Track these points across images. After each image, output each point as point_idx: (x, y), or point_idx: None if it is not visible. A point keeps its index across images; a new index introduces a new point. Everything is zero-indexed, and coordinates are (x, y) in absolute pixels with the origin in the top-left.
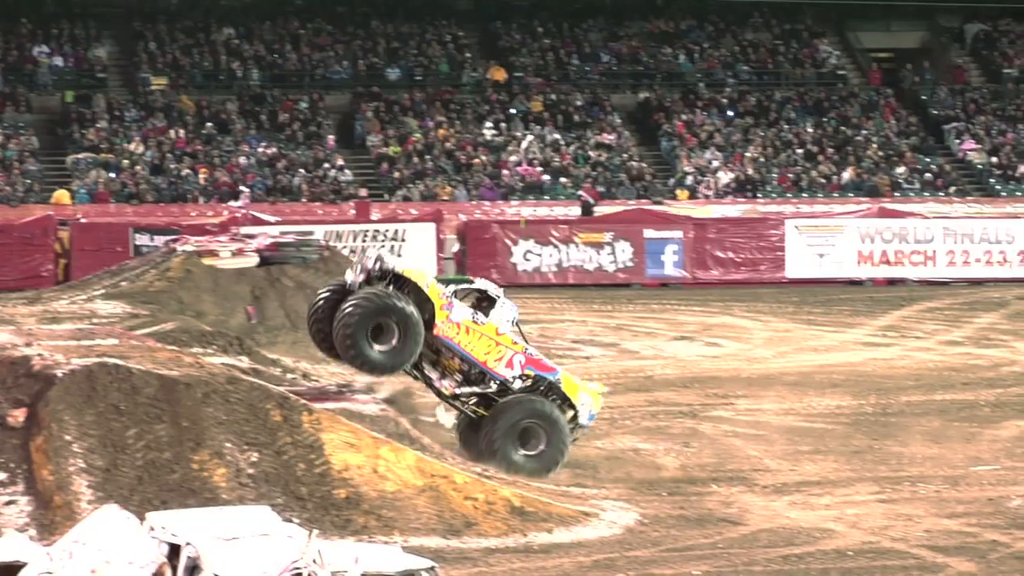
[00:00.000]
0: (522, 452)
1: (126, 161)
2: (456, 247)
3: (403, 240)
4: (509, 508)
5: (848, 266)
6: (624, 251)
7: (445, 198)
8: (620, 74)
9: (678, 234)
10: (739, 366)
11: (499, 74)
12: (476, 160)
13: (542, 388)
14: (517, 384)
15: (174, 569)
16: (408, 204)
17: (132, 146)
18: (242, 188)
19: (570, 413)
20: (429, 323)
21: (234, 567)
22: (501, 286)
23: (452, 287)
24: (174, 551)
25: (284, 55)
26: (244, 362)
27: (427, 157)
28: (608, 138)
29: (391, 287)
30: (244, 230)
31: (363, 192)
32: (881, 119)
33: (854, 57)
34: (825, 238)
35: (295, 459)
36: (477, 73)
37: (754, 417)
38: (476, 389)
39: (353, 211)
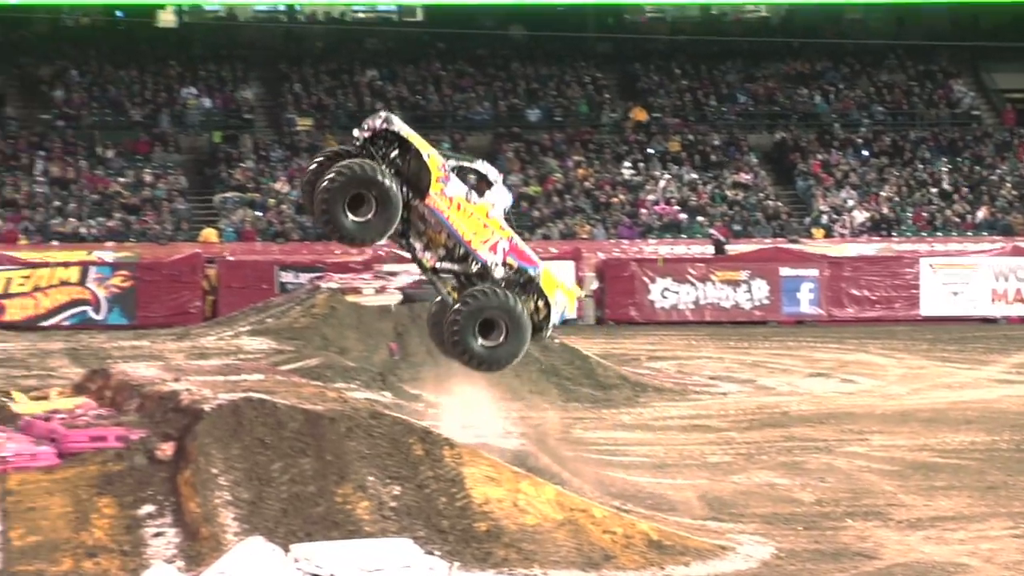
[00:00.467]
0: (481, 342)
1: (272, 200)
2: (595, 284)
3: None
4: (647, 542)
5: (982, 304)
6: (760, 289)
7: (584, 236)
8: (756, 115)
9: (814, 272)
10: (874, 402)
11: (639, 115)
12: (615, 199)
13: (522, 280)
14: (498, 272)
15: None
16: (548, 242)
17: (278, 185)
18: None
19: (544, 311)
20: (424, 192)
21: None
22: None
23: (453, 162)
24: None
25: (427, 96)
26: (387, 397)
27: (567, 196)
28: (745, 177)
29: (396, 150)
30: (387, 268)
31: None
32: (1015, 159)
33: (988, 97)
34: (959, 276)
35: (437, 492)
36: (616, 114)
37: (889, 453)
38: (456, 267)
39: None
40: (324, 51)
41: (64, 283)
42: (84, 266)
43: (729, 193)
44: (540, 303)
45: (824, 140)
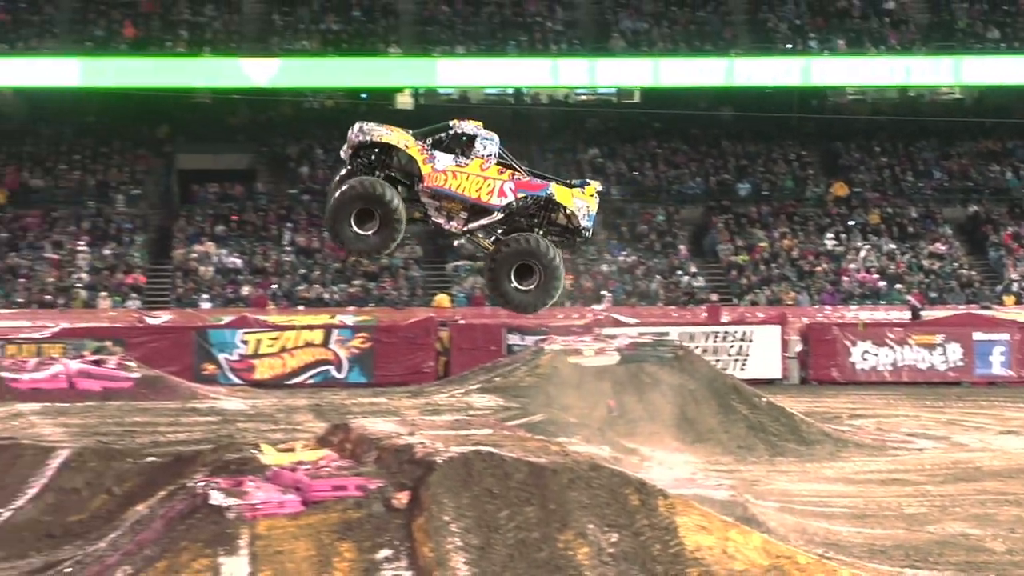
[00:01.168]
0: (515, 285)
1: None
2: (799, 347)
3: (750, 341)
4: None
5: None
6: (954, 352)
7: (789, 302)
8: (951, 189)
9: (1005, 336)
10: None
11: (840, 189)
12: (818, 268)
13: (541, 203)
14: (517, 204)
15: None
16: (755, 308)
17: None
18: (604, 293)
19: (573, 217)
20: (420, 177)
21: None
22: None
23: (431, 138)
24: None
25: (643, 172)
26: (605, 451)
27: (772, 265)
28: (940, 248)
29: (380, 153)
30: (606, 331)
31: (714, 297)
32: None
33: None
34: None
35: (651, 540)
36: (819, 188)
37: None
38: (483, 221)
39: (704, 314)
40: (549, 130)
41: (309, 344)
42: (327, 329)
43: (925, 262)
44: (565, 213)
45: (1015, 213)
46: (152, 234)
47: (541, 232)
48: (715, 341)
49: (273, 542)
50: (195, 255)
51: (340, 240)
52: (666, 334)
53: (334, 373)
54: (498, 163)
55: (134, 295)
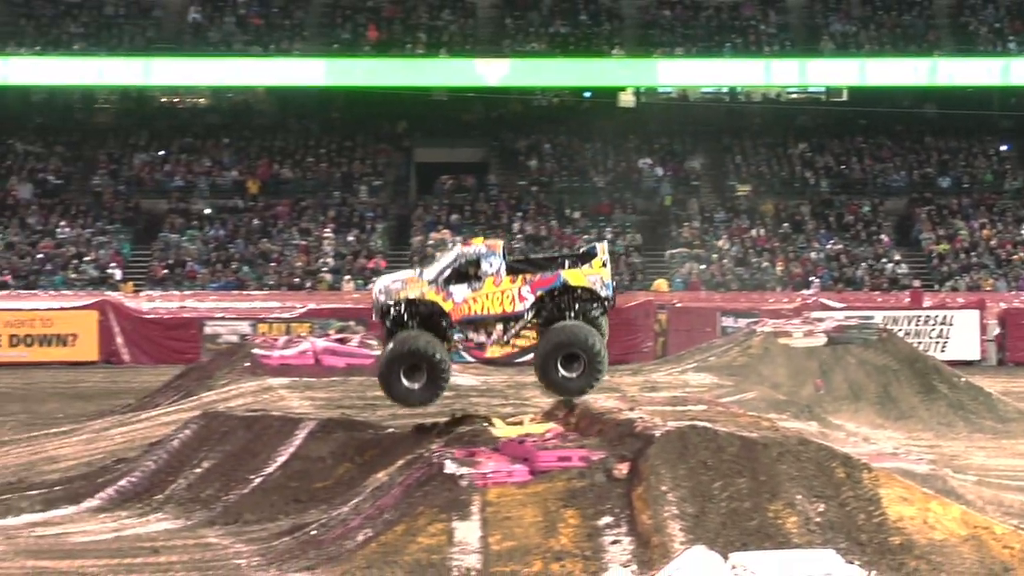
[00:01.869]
0: (563, 374)
1: (715, 255)
2: (997, 331)
3: (950, 324)
4: None
5: None
6: None
7: (988, 289)
8: None
9: None
10: None
11: None
12: (1016, 256)
13: (557, 294)
14: (540, 303)
15: None
16: (955, 294)
17: (720, 243)
18: (813, 279)
19: (591, 293)
20: (446, 314)
21: None
22: None
23: (443, 275)
24: None
25: (850, 166)
26: (813, 427)
27: (972, 254)
28: None
29: (406, 308)
30: (814, 315)
31: (916, 283)
32: None
33: None
34: None
35: (856, 510)
36: (1017, 181)
37: None
38: (517, 327)
39: (907, 299)
40: (761, 126)
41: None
42: None
43: None
44: (583, 293)
45: None
46: (391, 222)
47: (573, 314)
48: (917, 325)
49: (502, 508)
50: (431, 242)
51: (392, 395)
52: (871, 318)
53: None
54: (508, 271)
55: (375, 279)
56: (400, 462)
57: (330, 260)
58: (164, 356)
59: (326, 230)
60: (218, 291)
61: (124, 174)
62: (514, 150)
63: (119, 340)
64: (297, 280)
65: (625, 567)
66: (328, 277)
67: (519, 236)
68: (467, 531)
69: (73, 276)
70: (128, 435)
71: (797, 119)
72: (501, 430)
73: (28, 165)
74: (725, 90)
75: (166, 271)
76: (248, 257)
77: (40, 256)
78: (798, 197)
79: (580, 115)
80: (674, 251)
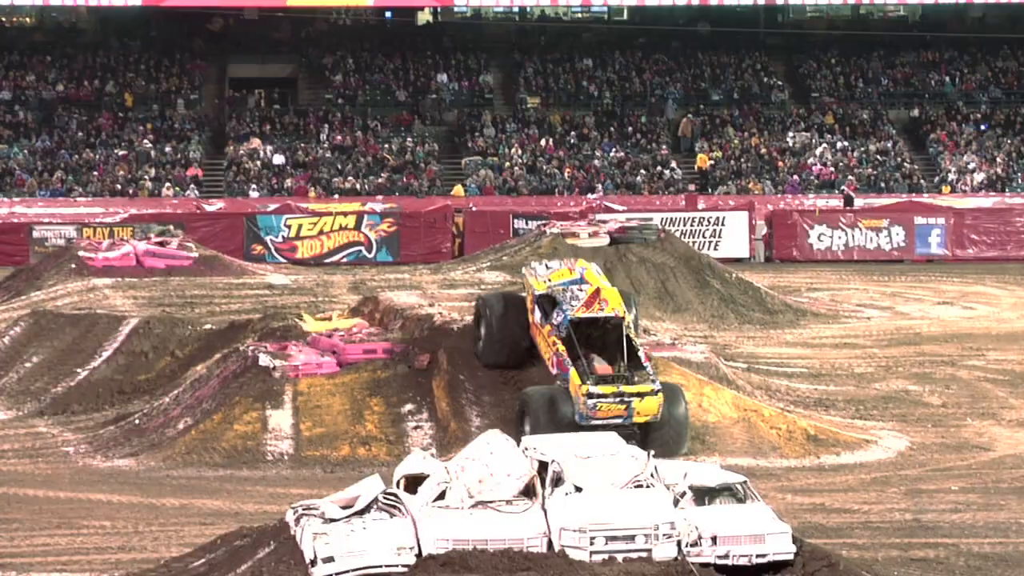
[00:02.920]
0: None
1: (507, 163)
2: (764, 231)
3: (722, 225)
4: (805, 436)
5: None
6: (898, 234)
7: (756, 192)
8: (896, 95)
9: (942, 220)
10: (990, 325)
11: (798, 95)
12: (780, 162)
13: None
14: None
15: (542, 481)
16: (727, 197)
17: (512, 151)
18: (597, 184)
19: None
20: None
21: (589, 479)
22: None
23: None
24: (543, 467)
25: (631, 80)
26: None
27: (742, 160)
28: (886, 145)
29: None
30: (598, 216)
31: (691, 187)
32: None
33: None
34: None
35: None
36: (782, 94)
37: (1001, 366)
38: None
39: (683, 202)
40: (548, 44)
41: (343, 228)
42: (359, 215)
43: (874, 158)
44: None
45: (951, 115)
46: (207, 133)
47: None
48: (692, 225)
49: (313, 398)
50: (244, 152)
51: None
52: (651, 219)
53: (365, 253)
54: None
55: (193, 186)
56: (217, 356)
57: (151, 169)
58: None
59: (146, 141)
60: (45, 199)
61: None
62: (320, 65)
63: None
64: (119, 187)
65: (426, 450)
66: (149, 184)
67: (326, 145)
68: (280, 419)
69: None
70: None
71: (582, 36)
72: (311, 325)
73: None
74: (515, 10)
75: None
76: (73, 166)
77: None
78: (583, 109)
79: (382, 33)
80: (469, 159)
